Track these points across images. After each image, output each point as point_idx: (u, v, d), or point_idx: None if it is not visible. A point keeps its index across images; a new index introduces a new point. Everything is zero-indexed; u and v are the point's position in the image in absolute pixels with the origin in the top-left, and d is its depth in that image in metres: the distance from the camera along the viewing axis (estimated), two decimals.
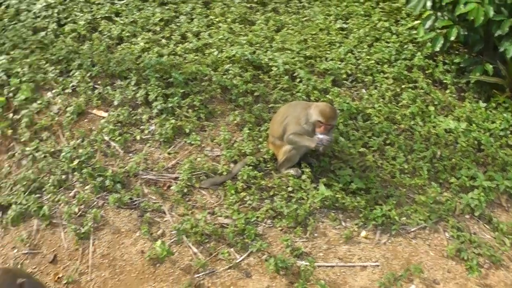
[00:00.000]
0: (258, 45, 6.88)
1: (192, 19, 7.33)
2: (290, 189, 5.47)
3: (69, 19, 7.10)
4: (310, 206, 5.35)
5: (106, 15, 7.23)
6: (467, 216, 5.66)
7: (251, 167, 5.53)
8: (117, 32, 6.93)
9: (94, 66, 6.36)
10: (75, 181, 5.52)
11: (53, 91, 6.22)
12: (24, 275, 4.04)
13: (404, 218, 5.47)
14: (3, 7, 7.20)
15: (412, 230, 5.43)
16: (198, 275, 4.96)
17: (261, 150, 5.74)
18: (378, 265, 5.12)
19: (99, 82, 6.29)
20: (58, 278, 4.95)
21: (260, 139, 5.84)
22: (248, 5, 7.70)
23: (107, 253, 5.09)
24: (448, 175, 5.90)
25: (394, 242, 5.31)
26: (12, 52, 6.54)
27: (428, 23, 6.91)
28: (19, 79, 6.22)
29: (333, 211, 5.45)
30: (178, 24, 7.23)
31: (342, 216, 5.43)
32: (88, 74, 6.30)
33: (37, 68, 6.38)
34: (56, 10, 7.18)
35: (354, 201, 5.40)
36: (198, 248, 5.11)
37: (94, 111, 6.06)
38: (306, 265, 4.95)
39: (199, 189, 5.51)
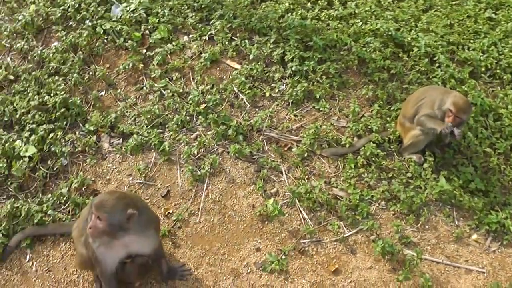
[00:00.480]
0: (403, 22, 6.67)
1: None
2: (409, 175, 5.35)
3: None
4: (426, 197, 5.23)
5: None
6: None
7: (374, 145, 5.43)
8: None
9: (236, 18, 6.38)
10: (199, 125, 5.60)
11: (190, 36, 6.32)
12: (140, 204, 4.15)
13: None
14: None
15: None
16: (304, 240, 4.95)
17: (388, 129, 5.63)
18: (484, 272, 4.94)
19: (237, 35, 6.31)
20: (168, 213, 5.05)
21: (389, 118, 5.73)
22: None
23: (219, 200, 5.14)
24: None
25: (504, 253, 5.10)
26: None
27: None
28: (158, 19, 6.35)
29: (449, 206, 5.28)
30: None
31: (456, 214, 5.26)
32: (228, 25, 6.33)
33: (177, 12, 6.50)
34: None
35: (472, 201, 5.20)
36: (309, 214, 5.09)
37: (228, 61, 6.09)
38: (413, 255, 4.83)
39: (319, 156, 5.46)
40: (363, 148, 5.40)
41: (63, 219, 4.95)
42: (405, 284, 4.74)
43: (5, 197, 5.15)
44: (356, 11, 6.68)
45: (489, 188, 5.40)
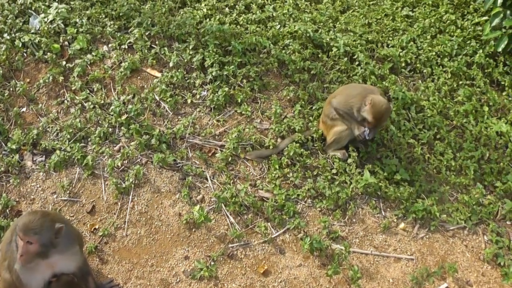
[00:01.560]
0: (321, 24, 6.75)
1: None
2: (334, 171, 5.42)
3: None
4: (352, 191, 5.31)
5: None
6: (508, 222, 5.50)
7: (298, 144, 5.48)
8: None
9: (154, 26, 6.34)
10: (121, 136, 5.56)
11: (109, 45, 6.24)
12: (62, 220, 4.09)
13: (445, 216, 5.35)
14: None
15: (451, 228, 5.31)
16: (232, 245, 4.96)
17: (310, 128, 5.67)
18: (412, 259, 5.05)
19: (156, 42, 6.27)
20: (94, 229, 5.00)
21: (311, 118, 5.78)
22: None
23: (145, 211, 5.12)
24: (494, 178, 5.73)
25: (431, 238, 5.22)
26: (72, 2, 6.56)
27: (496, 21, 6.66)
28: (76, 29, 6.26)
29: (375, 199, 5.38)
30: None
31: (383, 205, 5.35)
32: (147, 33, 6.29)
33: (95, 21, 6.42)
34: None
35: (397, 191, 5.30)
36: (236, 218, 5.11)
37: (148, 69, 6.06)
38: (341, 249, 4.92)
39: (244, 159, 5.48)
40: (286, 148, 5.43)
41: None
42: (335, 278, 4.81)
43: None
44: (274, 14, 6.73)
45: (414, 177, 5.52)
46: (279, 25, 6.53)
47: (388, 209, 5.33)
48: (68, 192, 5.20)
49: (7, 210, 5.07)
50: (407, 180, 5.46)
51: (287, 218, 5.10)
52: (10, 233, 4.11)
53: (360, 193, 5.36)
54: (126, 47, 6.18)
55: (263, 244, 4.98)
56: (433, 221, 5.27)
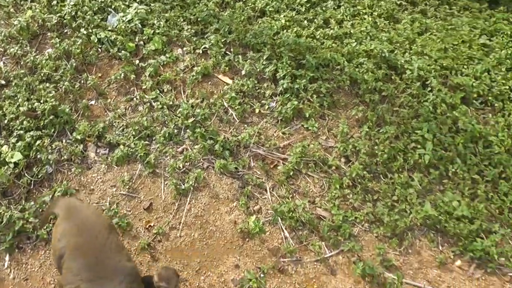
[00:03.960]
0: (398, 44, 6.64)
1: (339, 6, 7.14)
2: (395, 198, 5.32)
3: None
4: (411, 221, 5.18)
5: None
6: None
7: (361, 166, 5.38)
8: (261, 5, 6.87)
9: (231, 33, 6.39)
10: (186, 138, 5.59)
11: (184, 48, 6.31)
12: None
13: (503, 259, 5.15)
14: None
15: (510, 273, 5.12)
16: (284, 259, 4.91)
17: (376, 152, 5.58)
18: None
19: (231, 50, 6.31)
20: (149, 226, 5.02)
21: (377, 140, 5.66)
22: (398, 1, 7.43)
23: (201, 214, 5.12)
24: None
25: (487, 280, 5.04)
26: (152, 4, 6.70)
27: None
28: (153, 30, 6.37)
29: (433, 232, 5.24)
30: (324, 8, 7.06)
31: (440, 240, 5.21)
32: (223, 40, 6.34)
33: (173, 24, 6.51)
34: None
35: (457, 227, 5.15)
36: (290, 233, 5.06)
37: (220, 76, 6.09)
38: (394, 278, 4.80)
39: (305, 175, 5.41)
40: (349, 169, 5.34)
41: (44, 228, 4.90)
42: None
43: None
44: (352, 31, 6.66)
45: (476, 215, 5.32)
46: (355, 43, 6.46)
47: (446, 244, 5.18)
48: (127, 187, 5.24)
49: (66, 197, 5.13)
50: (467, 217, 5.29)
51: (342, 240, 5.03)
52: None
53: (418, 224, 5.23)
54: (201, 52, 6.23)
55: (315, 263, 4.92)
56: (491, 263, 5.08)
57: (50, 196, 5.09)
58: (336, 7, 7.06)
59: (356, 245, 4.95)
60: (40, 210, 5.03)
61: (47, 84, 5.84)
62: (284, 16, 6.74)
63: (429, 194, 5.40)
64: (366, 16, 7.02)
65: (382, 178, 5.48)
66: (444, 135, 5.72)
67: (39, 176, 5.26)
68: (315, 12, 6.95)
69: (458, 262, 5.09)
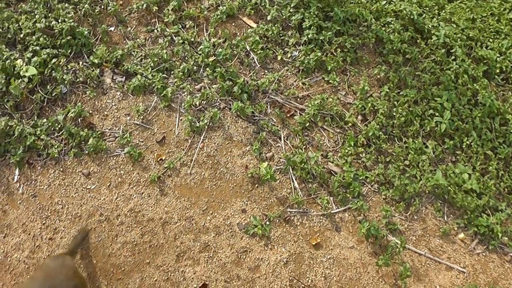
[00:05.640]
0: (427, 8, 6.50)
1: None
2: (407, 162, 5.28)
3: None
4: (420, 187, 5.16)
5: None
6: None
7: (378, 126, 5.33)
8: None
9: None
10: (205, 76, 5.50)
11: None
12: None
13: (506, 238, 5.17)
14: None
15: (511, 253, 5.13)
16: (290, 210, 4.90)
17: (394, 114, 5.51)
18: (464, 272, 4.92)
19: None
20: (161, 159, 4.98)
21: (396, 103, 5.58)
22: None
23: (213, 154, 5.07)
24: None
25: (487, 257, 5.06)
26: None
27: None
28: None
29: (440, 201, 5.23)
30: None
31: (447, 210, 5.21)
32: None
33: None
34: None
35: (465, 200, 5.14)
36: (300, 184, 5.03)
37: (245, 18, 5.95)
38: (397, 242, 4.81)
39: (321, 128, 5.36)
40: (366, 127, 5.29)
41: (55, 146, 4.85)
42: (384, 270, 4.73)
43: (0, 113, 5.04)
44: None
45: (484, 191, 5.31)
46: (384, 1, 6.31)
47: (451, 215, 5.18)
48: (141, 117, 5.18)
49: (79, 119, 5.08)
50: (476, 192, 5.28)
51: (350, 197, 5.01)
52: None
53: (427, 192, 5.21)
54: None
55: (321, 217, 4.90)
56: (494, 240, 5.10)
57: (63, 115, 5.00)
58: None
59: (364, 204, 4.93)
60: (52, 128, 4.96)
61: (66, 4, 5.70)
62: None
63: (441, 163, 5.36)
64: None
65: (396, 141, 5.43)
66: (463, 106, 5.66)
67: (52, 95, 5.18)
68: None
69: (461, 235, 5.09)
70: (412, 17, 6.02)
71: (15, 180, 4.78)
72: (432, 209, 5.16)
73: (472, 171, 5.36)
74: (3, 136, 4.89)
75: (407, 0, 6.38)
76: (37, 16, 5.51)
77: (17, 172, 4.80)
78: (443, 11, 6.44)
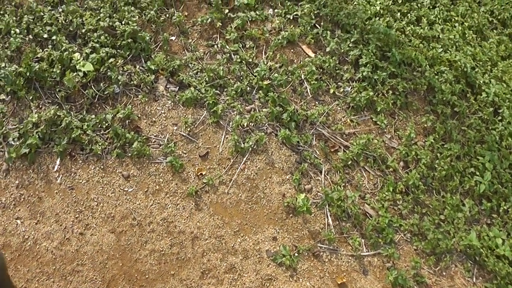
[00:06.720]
0: (480, 62, 6.49)
1: (434, 7, 6.92)
2: (442, 217, 5.25)
3: None
4: (453, 245, 5.11)
5: None
6: None
7: (418, 176, 5.30)
8: None
9: (325, 7, 6.24)
10: (256, 99, 5.53)
11: (276, 10, 6.20)
12: None
13: None
14: None
15: None
16: (321, 245, 4.89)
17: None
18: None
19: (321, 23, 6.17)
20: (201, 174, 5.00)
21: (439, 155, 5.56)
22: (490, 18, 7.23)
23: (253, 178, 5.08)
24: None
25: None
26: None
27: None
28: None
29: (471, 262, 5.17)
30: (419, 4, 6.86)
31: (476, 272, 5.15)
32: (316, 11, 6.21)
33: None
34: None
35: (496, 265, 5.08)
36: (334, 221, 5.02)
37: (304, 46, 5.99)
38: None
39: (362, 168, 5.35)
40: (406, 174, 5.27)
41: (99, 143, 4.90)
42: None
43: (50, 101, 5.12)
44: (440, 36, 6.48)
45: None
46: (441, 49, 6.31)
47: (481, 278, 5.13)
48: (188, 129, 5.21)
49: (127, 121, 5.13)
50: (508, 259, 5.21)
51: (382, 243, 4.99)
52: None
53: (459, 250, 5.17)
54: (291, 17, 6.12)
55: (350, 257, 4.88)
56: None
57: (112, 115, 5.06)
58: (431, 7, 6.86)
59: (396, 252, 4.89)
60: (99, 125, 5.01)
61: (132, 8, 5.76)
62: (380, 3, 6.55)
63: (476, 223, 5.33)
64: (456, 24, 6.80)
65: (435, 193, 5.40)
66: (504, 169, 5.62)
67: (104, 93, 5.24)
68: (410, 6, 6.76)
69: None
70: (465, 69, 6.01)
71: (55, 169, 4.82)
72: (462, 268, 5.10)
73: (506, 237, 5.31)
74: (50, 124, 4.93)
75: (463, 51, 6.37)
76: (101, 15, 5.59)
77: (58, 162, 4.84)
78: (496, 68, 6.43)
